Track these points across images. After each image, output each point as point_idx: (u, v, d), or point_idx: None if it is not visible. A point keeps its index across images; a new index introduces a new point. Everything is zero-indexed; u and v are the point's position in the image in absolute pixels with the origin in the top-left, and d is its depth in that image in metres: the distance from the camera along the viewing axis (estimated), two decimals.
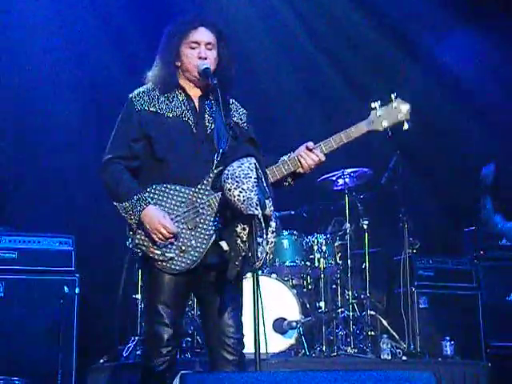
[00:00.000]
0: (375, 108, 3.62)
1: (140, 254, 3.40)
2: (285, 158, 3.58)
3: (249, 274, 3.26)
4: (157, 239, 3.33)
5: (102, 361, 6.00)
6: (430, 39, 8.03)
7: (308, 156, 3.51)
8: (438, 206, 7.80)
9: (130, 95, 3.57)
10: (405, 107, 3.63)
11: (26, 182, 6.93)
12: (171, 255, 3.35)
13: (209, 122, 3.52)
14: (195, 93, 3.59)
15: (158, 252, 3.35)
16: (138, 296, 6.35)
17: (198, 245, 3.36)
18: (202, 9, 7.12)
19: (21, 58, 7.07)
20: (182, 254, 3.35)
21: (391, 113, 3.63)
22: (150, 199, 3.38)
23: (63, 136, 7.07)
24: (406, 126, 3.64)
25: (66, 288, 5.92)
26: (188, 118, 3.51)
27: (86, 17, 7.31)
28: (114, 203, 3.44)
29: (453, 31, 7.98)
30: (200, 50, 3.52)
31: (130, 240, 3.44)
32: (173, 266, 3.35)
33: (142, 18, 7.34)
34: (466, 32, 7.95)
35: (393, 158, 6.69)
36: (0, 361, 5.56)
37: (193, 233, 3.37)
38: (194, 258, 3.35)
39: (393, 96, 3.64)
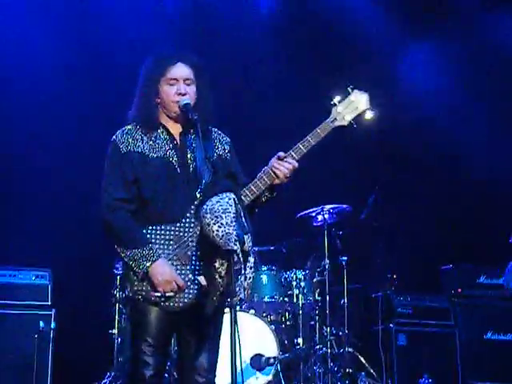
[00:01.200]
0: (335, 104, 3.65)
1: (141, 300, 3.36)
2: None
3: (226, 310, 3.24)
4: (161, 290, 3.32)
5: None
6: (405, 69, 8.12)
7: (281, 165, 3.51)
8: (416, 243, 7.82)
9: (114, 137, 3.54)
10: (363, 97, 3.67)
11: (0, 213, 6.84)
12: (171, 294, 3.34)
13: (191, 159, 3.52)
14: (176, 129, 3.59)
15: (159, 294, 3.34)
16: (115, 331, 6.28)
17: (195, 277, 3.36)
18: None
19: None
20: (181, 291, 3.35)
21: (351, 105, 3.66)
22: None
23: (41, 164, 6.95)
24: (368, 115, 3.68)
25: (41, 323, 5.85)
26: (172, 158, 3.50)
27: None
28: (121, 249, 3.39)
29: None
30: (179, 86, 3.52)
31: (127, 290, 3.38)
32: (176, 304, 3.35)
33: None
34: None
35: (372, 194, 6.74)
36: None
37: (188, 267, 3.37)
38: (195, 291, 3.35)
39: (350, 89, 3.68)
